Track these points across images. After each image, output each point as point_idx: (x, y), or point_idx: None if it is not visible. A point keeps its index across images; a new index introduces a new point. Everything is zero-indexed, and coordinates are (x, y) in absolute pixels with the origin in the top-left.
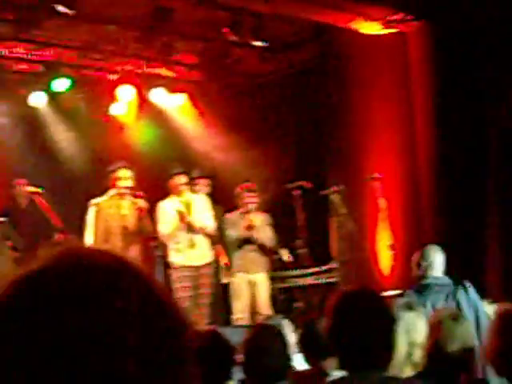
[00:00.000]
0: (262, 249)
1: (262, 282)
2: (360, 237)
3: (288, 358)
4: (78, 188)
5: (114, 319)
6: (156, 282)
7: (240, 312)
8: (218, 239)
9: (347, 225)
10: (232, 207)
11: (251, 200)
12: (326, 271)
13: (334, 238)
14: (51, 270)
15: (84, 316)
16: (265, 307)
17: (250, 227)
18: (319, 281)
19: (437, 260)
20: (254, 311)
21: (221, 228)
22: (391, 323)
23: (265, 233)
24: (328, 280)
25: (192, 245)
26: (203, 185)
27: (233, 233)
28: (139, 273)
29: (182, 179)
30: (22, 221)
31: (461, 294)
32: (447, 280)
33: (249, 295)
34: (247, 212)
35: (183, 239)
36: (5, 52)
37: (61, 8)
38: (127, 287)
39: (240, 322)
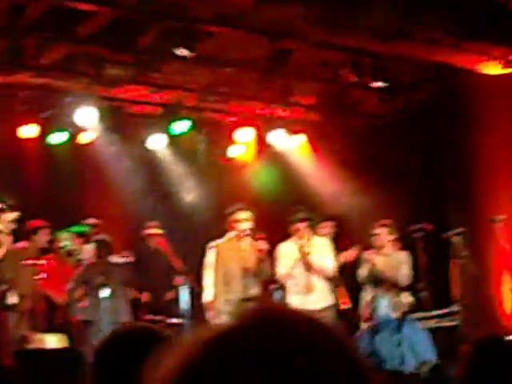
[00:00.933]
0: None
1: None
2: (482, 280)
3: None
4: (197, 230)
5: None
6: (349, 341)
7: None
8: (339, 282)
9: (469, 267)
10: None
11: (388, 238)
12: (447, 314)
13: (455, 281)
14: (250, 328)
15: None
16: None
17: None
18: (441, 324)
19: None
20: None
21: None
22: None
23: (400, 271)
24: (450, 323)
25: (310, 288)
26: (326, 227)
27: (363, 271)
28: (334, 334)
29: (305, 224)
30: (150, 263)
31: None
32: None
33: None
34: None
35: (301, 280)
36: (125, 95)
37: (180, 51)
38: (324, 348)
39: None
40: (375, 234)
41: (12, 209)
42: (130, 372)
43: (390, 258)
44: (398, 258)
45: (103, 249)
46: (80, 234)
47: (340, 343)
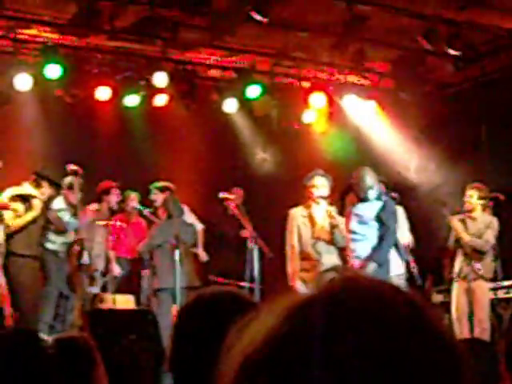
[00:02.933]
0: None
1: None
2: None
3: None
4: (270, 195)
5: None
6: (432, 312)
7: None
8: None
9: None
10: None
11: (478, 201)
12: None
13: None
14: (334, 298)
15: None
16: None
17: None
18: (510, 295)
19: None
20: None
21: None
22: None
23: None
24: None
25: None
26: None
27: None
28: (418, 303)
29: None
30: (223, 227)
31: None
32: None
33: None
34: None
35: None
36: (199, 59)
37: (254, 15)
38: (410, 321)
39: None
40: (466, 197)
41: (51, 185)
42: (213, 339)
43: (476, 221)
44: (486, 222)
45: (175, 209)
46: (164, 189)
47: (425, 314)
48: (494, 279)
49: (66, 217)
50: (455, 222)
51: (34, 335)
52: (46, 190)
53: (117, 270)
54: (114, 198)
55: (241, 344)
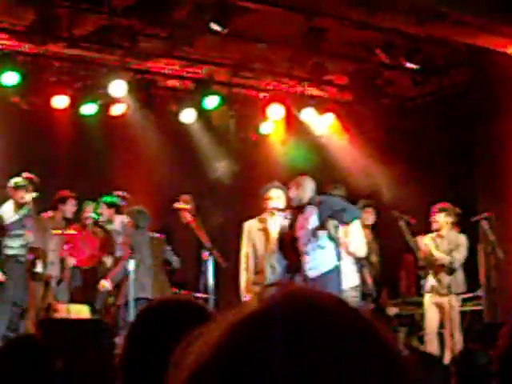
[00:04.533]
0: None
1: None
2: (508, 264)
3: None
4: (226, 206)
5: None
6: (377, 324)
7: None
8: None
9: (496, 252)
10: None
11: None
12: (472, 298)
13: (482, 265)
14: (274, 310)
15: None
16: None
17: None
18: (465, 308)
19: None
20: None
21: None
22: None
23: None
24: (474, 308)
25: None
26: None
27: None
28: (360, 315)
29: None
30: (178, 237)
31: None
32: None
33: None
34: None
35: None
36: (157, 68)
37: (214, 26)
38: (354, 330)
39: None
40: (433, 218)
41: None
42: (165, 348)
43: (445, 239)
44: (454, 240)
45: (141, 220)
46: (111, 205)
47: (369, 325)
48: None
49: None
50: (426, 239)
51: None
52: None
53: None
54: (69, 208)
55: (188, 358)
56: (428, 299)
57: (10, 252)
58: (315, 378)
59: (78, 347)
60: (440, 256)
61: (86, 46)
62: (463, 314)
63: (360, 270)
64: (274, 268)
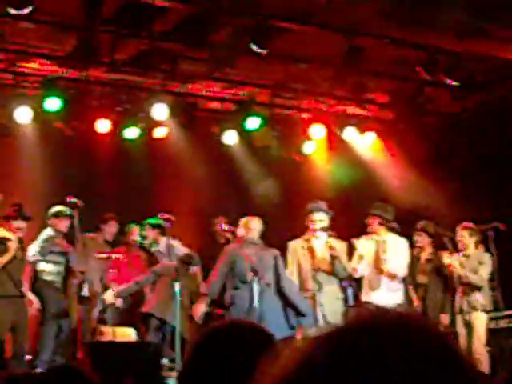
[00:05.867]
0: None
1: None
2: None
3: None
4: (269, 226)
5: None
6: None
7: None
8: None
9: None
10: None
11: (469, 240)
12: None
13: None
14: (362, 331)
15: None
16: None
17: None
18: (501, 325)
19: None
20: None
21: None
22: None
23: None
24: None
25: (377, 285)
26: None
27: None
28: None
29: (377, 221)
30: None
31: None
32: None
33: None
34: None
35: (370, 277)
36: (198, 91)
37: (254, 47)
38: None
39: None
40: (458, 238)
41: (23, 218)
42: (232, 372)
43: (470, 258)
44: (478, 258)
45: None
46: (156, 226)
47: (451, 347)
48: (495, 309)
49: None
50: (453, 260)
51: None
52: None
53: (118, 301)
54: (111, 229)
55: (273, 373)
56: (458, 320)
57: (47, 277)
58: None
59: (125, 369)
60: (463, 274)
61: (127, 70)
62: (495, 331)
63: (405, 289)
64: (321, 285)
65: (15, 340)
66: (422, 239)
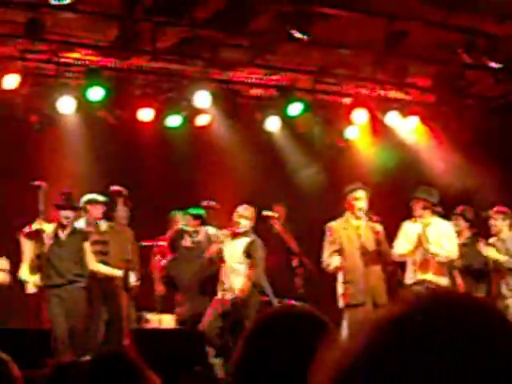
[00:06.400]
0: None
1: None
2: None
3: None
4: (313, 211)
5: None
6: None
7: None
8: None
9: None
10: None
11: (503, 223)
12: None
13: None
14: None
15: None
16: None
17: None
18: None
19: None
20: None
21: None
22: None
23: None
24: None
25: (426, 268)
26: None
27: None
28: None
29: (422, 204)
30: (267, 245)
31: None
32: None
33: None
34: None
35: (418, 260)
36: (240, 78)
37: (295, 33)
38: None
39: None
40: (492, 222)
41: (72, 207)
42: (288, 357)
43: (505, 242)
44: None
45: None
46: (197, 217)
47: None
48: None
49: None
50: (488, 247)
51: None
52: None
53: (161, 289)
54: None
55: (333, 356)
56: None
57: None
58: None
59: (171, 357)
60: (503, 259)
61: (168, 59)
62: None
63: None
64: (367, 265)
65: (69, 328)
66: (460, 224)
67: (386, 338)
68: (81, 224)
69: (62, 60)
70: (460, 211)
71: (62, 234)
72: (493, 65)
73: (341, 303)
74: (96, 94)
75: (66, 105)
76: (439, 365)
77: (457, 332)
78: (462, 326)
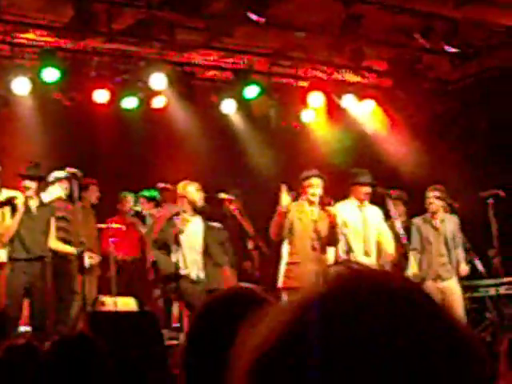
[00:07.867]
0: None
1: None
2: None
3: None
4: (267, 195)
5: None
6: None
7: None
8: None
9: None
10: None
11: (440, 203)
12: None
13: None
14: (339, 292)
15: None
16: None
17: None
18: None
19: None
20: None
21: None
22: None
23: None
24: None
25: (367, 252)
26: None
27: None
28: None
29: (368, 189)
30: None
31: None
32: None
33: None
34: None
35: (358, 247)
36: (196, 60)
37: (252, 16)
38: (424, 309)
39: None
40: (428, 200)
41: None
42: (227, 338)
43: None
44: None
45: None
46: (150, 199)
47: (436, 304)
48: (495, 276)
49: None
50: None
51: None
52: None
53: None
54: (94, 195)
55: (252, 341)
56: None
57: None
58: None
59: (127, 340)
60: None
61: (124, 40)
62: (495, 298)
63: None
64: (322, 250)
65: (30, 305)
66: (396, 208)
67: (301, 322)
68: (47, 198)
69: (17, 41)
70: (396, 195)
71: (33, 207)
72: (450, 49)
73: (280, 283)
74: (51, 75)
75: (20, 86)
76: (359, 339)
77: (369, 311)
78: (373, 303)
